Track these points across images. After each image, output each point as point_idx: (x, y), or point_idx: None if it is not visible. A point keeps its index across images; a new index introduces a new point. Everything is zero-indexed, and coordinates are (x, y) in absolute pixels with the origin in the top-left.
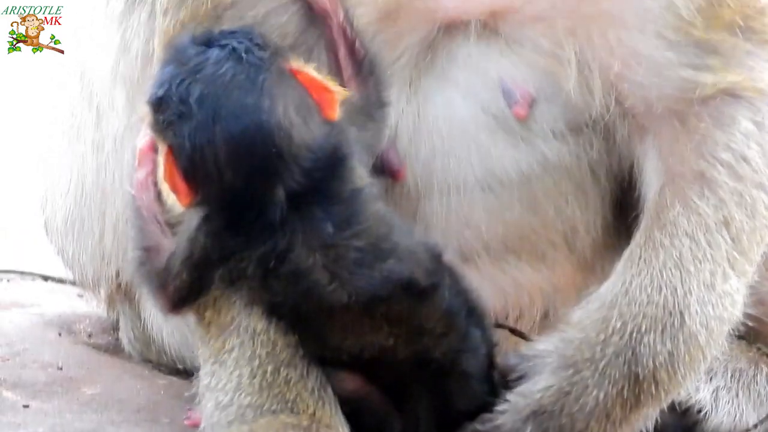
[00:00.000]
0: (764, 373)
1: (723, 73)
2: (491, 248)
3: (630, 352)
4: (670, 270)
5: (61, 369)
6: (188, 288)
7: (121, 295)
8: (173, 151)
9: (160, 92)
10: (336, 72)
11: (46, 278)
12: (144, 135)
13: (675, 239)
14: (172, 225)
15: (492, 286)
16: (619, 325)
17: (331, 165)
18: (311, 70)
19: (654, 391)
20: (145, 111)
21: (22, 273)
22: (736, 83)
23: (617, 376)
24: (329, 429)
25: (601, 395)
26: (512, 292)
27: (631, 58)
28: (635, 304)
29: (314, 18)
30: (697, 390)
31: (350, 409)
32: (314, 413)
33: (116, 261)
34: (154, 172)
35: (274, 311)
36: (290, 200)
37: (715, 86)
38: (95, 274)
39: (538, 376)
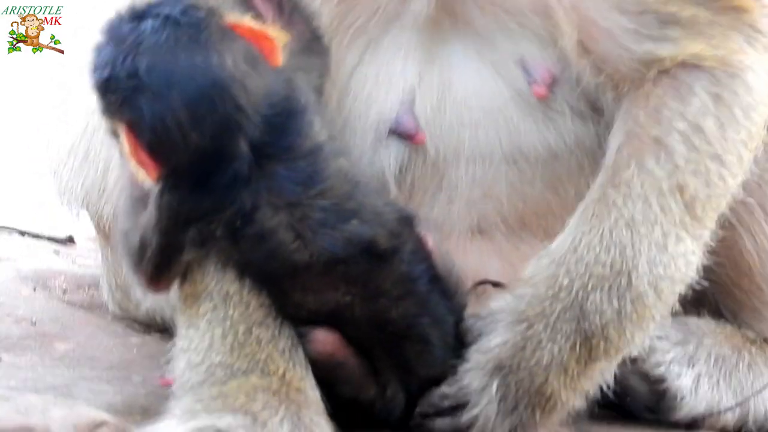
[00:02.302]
0: (746, 361)
1: (684, 43)
2: (508, 222)
3: (578, 309)
4: (621, 230)
5: (34, 324)
6: (160, 255)
7: (107, 239)
8: (133, 127)
9: (105, 73)
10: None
11: (22, 233)
12: None
13: (628, 199)
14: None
15: (502, 260)
16: (566, 282)
17: (288, 113)
18: (248, 21)
19: (604, 347)
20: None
21: None
22: (696, 54)
23: (568, 331)
24: (299, 392)
25: (555, 349)
26: (521, 268)
27: (591, 27)
28: (582, 263)
29: None
30: (678, 375)
31: (325, 375)
32: (284, 375)
33: (113, 202)
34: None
35: (243, 271)
36: (254, 155)
37: (675, 59)
38: (89, 203)
39: (493, 332)
